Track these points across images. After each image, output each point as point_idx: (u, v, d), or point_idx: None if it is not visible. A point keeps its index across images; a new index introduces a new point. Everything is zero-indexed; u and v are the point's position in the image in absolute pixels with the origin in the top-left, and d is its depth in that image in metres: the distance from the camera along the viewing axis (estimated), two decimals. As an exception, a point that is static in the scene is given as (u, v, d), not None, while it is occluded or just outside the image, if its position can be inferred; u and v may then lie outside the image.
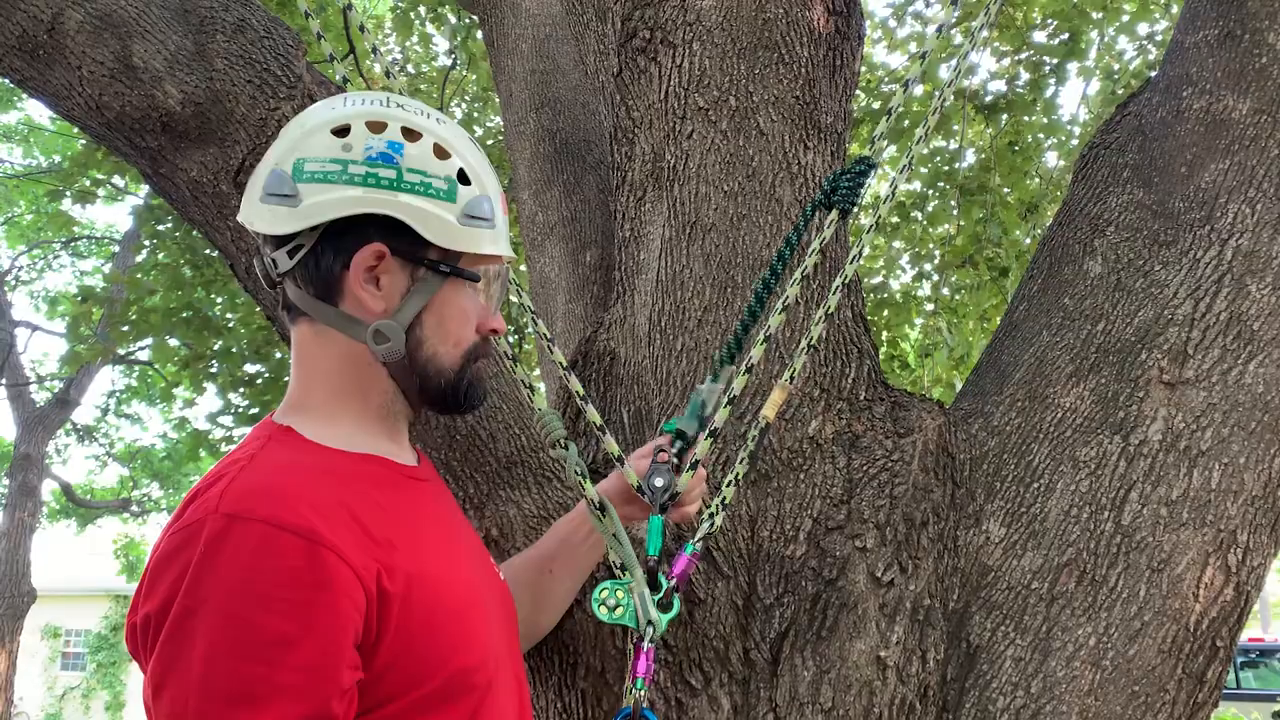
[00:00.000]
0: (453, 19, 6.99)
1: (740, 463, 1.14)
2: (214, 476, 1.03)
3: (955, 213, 5.80)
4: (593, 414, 1.29)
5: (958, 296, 6.15)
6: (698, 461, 1.19)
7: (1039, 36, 6.15)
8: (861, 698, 1.76)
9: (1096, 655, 1.80)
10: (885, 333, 6.78)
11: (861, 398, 2.06)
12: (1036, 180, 6.29)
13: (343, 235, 1.09)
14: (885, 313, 6.53)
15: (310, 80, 1.90)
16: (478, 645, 1.07)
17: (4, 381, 11.95)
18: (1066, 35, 5.83)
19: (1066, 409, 1.99)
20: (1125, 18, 5.98)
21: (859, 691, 1.76)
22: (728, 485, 1.12)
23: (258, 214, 1.10)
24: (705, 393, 1.23)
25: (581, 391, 1.30)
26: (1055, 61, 5.87)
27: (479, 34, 6.88)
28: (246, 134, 1.81)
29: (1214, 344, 1.95)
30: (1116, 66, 6.38)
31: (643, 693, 1.05)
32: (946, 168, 6.06)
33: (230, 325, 6.82)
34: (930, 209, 6.38)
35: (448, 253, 1.12)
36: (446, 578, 1.06)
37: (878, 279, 6.91)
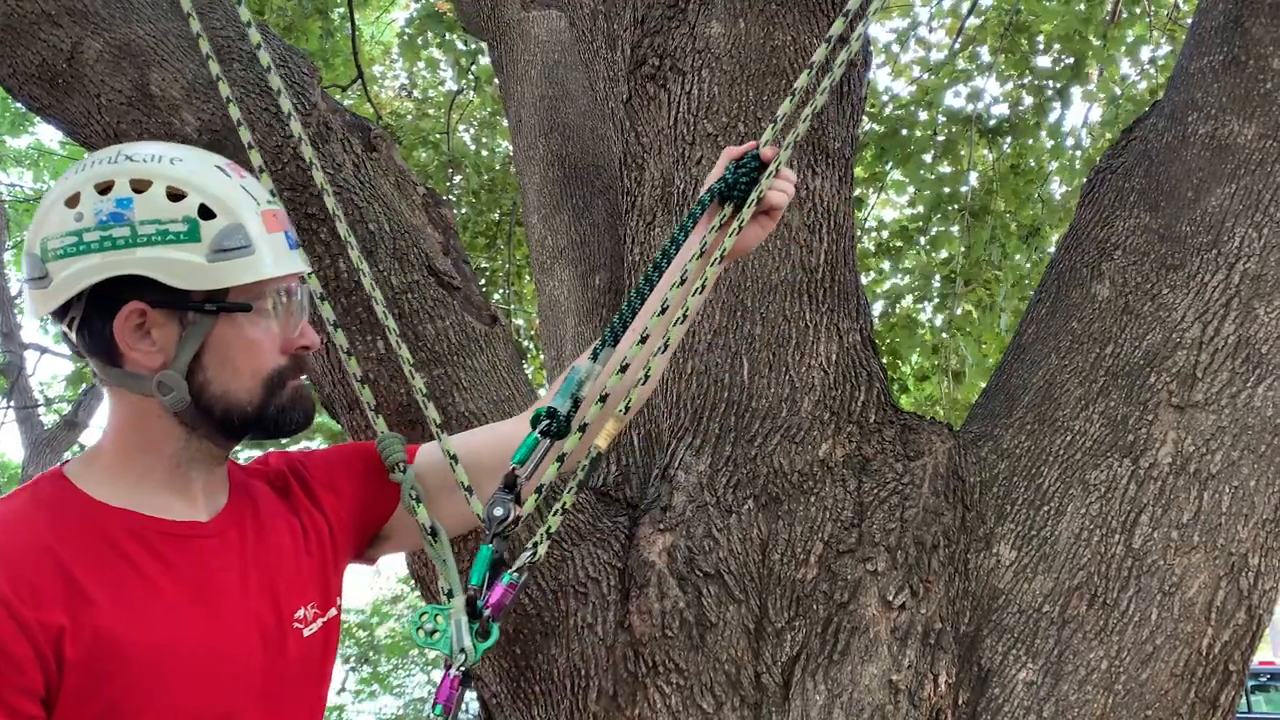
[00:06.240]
0: (460, 44, 7.05)
1: (569, 491, 1.13)
2: None
3: (965, 235, 5.80)
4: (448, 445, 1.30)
5: (970, 316, 6.13)
6: (539, 491, 1.17)
7: (1043, 61, 6.19)
8: (874, 722, 1.75)
9: (1109, 679, 1.79)
10: (889, 356, 6.77)
11: (871, 421, 2.06)
12: (1039, 205, 6.29)
13: (102, 301, 1.09)
14: (892, 338, 6.52)
15: (325, 108, 1.92)
16: (176, 713, 1.06)
17: (13, 404, 11.97)
18: (1070, 60, 5.86)
19: (1076, 432, 2.00)
20: (1128, 40, 6.02)
21: (871, 716, 1.76)
22: (554, 515, 1.12)
23: (26, 300, 1.14)
24: (583, 371, 1.21)
25: (439, 422, 1.29)
26: (1059, 86, 5.91)
27: (483, 59, 6.94)
28: (262, 161, 1.83)
29: (1222, 367, 1.95)
30: (1119, 91, 6.41)
31: (439, 718, 1.04)
32: (948, 189, 6.07)
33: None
34: (934, 233, 6.39)
35: (212, 292, 1.11)
36: (171, 641, 1.06)
37: (903, 302, 6.87)
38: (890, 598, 1.84)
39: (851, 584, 1.86)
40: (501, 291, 7.33)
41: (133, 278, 1.08)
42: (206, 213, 1.10)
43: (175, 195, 1.10)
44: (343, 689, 14.09)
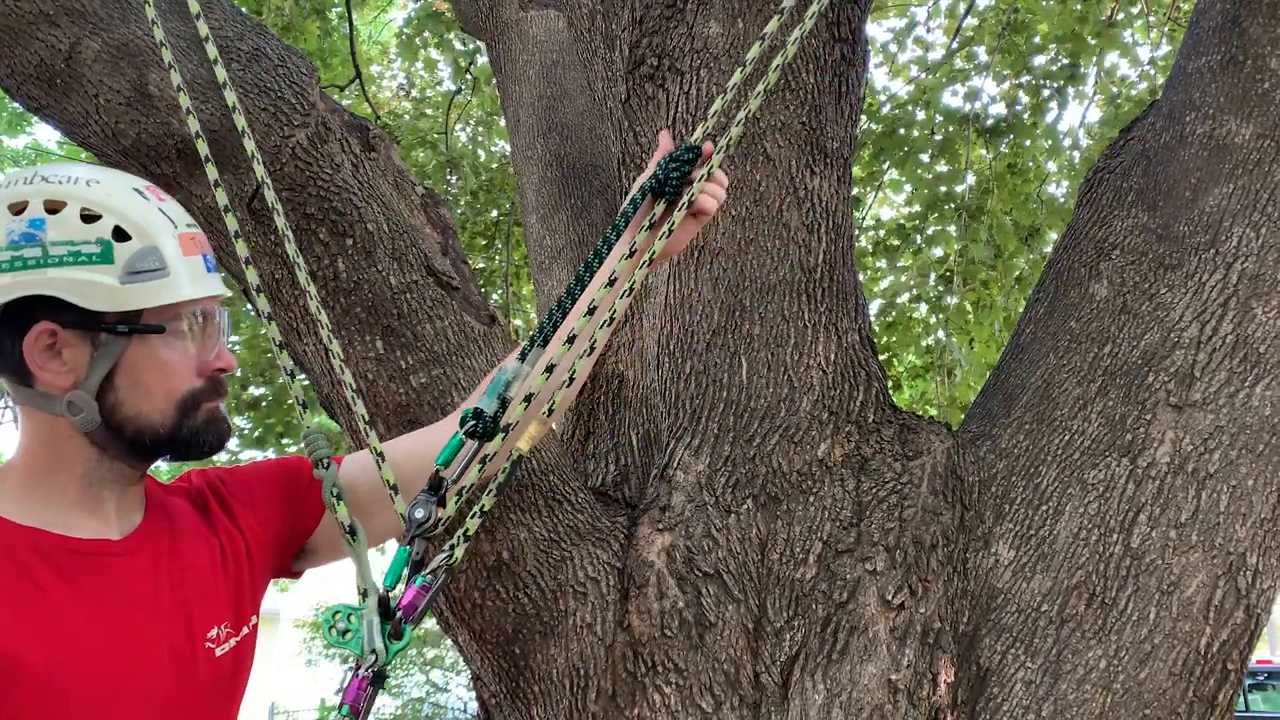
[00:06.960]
0: (458, 44, 7.04)
1: (488, 494, 1.13)
2: None
3: (963, 234, 5.80)
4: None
5: (966, 313, 6.14)
6: (461, 498, 1.16)
7: (1040, 60, 6.19)
8: (873, 721, 1.75)
9: (1107, 678, 1.80)
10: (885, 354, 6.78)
11: (870, 420, 2.07)
12: (1037, 204, 6.30)
13: (13, 320, 1.10)
14: (891, 337, 6.52)
15: (324, 108, 1.92)
16: None
17: (10, 404, 11.97)
18: (1067, 60, 5.87)
19: (1074, 432, 2.00)
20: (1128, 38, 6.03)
21: (870, 715, 1.76)
22: (473, 518, 1.11)
23: None
24: (510, 372, 1.21)
25: (379, 447, 1.28)
26: (1056, 85, 5.92)
27: (481, 58, 6.93)
28: (260, 161, 1.83)
29: (1220, 367, 1.96)
30: (1117, 90, 6.41)
31: (346, 719, 1.04)
32: (944, 188, 6.08)
33: (234, 347, 6.86)
34: (930, 232, 6.40)
35: (126, 313, 1.11)
36: (72, 660, 1.06)
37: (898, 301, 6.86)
38: (889, 597, 1.85)
39: (850, 583, 1.86)
40: (500, 291, 7.33)
41: (44, 298, 1.08)
42: (121, 235, 1.11)
43: (89, 217, 1.10)
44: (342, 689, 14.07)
